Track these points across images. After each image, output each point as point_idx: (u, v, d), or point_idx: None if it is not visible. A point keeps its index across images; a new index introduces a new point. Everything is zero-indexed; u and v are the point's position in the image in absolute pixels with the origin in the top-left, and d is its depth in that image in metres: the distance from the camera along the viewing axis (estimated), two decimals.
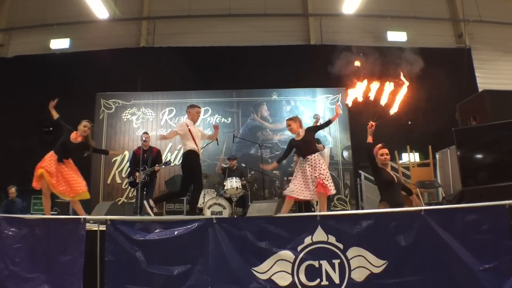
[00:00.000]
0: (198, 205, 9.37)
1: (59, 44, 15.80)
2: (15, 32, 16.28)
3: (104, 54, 14.41)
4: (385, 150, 5.91)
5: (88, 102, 12.51)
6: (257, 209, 7.82)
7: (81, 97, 12.99)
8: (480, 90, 13.02)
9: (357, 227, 3.89)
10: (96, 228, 4.09)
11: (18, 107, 14.33)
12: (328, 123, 6.86)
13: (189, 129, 6.91)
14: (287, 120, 6.59)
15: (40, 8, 15.98)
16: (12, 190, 10.32)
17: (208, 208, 8.61)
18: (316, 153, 6.29)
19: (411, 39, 14.74)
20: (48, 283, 4.10)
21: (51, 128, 14.13)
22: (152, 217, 5.13)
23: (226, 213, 8.40)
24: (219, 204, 8.67)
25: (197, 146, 6.86)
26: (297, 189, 6.02)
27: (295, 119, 6.58)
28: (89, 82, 13.36)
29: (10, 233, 4.32)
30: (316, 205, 7.82)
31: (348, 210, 10.60)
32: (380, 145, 6.14)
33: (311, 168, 6.05)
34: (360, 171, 11.40)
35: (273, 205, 8.27)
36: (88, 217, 4.17)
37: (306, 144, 6.34)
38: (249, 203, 9.22)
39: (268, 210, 7.74)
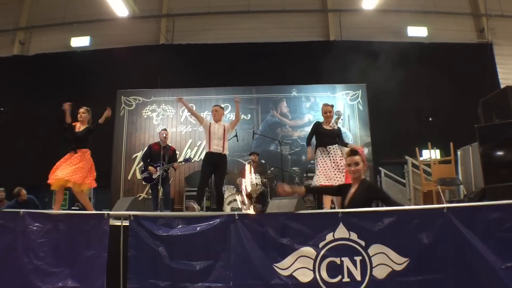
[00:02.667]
0: None
1: (80, 42, 15.97)
2: (36, 31, 16.49)
3: (124, 51, 14.55)
4: None
5: (108, 99, 12.58)
6: (276, 205, 7.76)
7: (102, 94, 13.11)
8: (502, 86, 12.78)
9: (379, 224, 3.84)
10: (119, 224, 4.12)
11: (39, 105, 14.50)
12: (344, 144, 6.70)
13: (209, 127, 7.02)
14: (328, 105, 6.57)
15: (61, 6, 16.15)
16: (23, 192, 9.85)
17: (228, 204, 8.65)
18: (336, 145, 6.35)
19: (431, 35, 14.55)
20: (72, 277, 4.15)
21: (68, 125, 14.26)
22: (175, 213, 5.16)
23: (246, 210, 8.41)
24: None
25: (210, 145, 7.03)
26: (323, 177, 6.10)
27: (332, 107, 6.64)
28: (109, 80, 13.48)
29: (34, 228, 4.38)
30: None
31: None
32: None
33: (335, 158, 6.11)
34: (380, 168, 11.31)
35: (293, 201, 8.21)
36: (111, 212, 4.20)
37: (332, 134, 6.36)
38: (269, 199, 9.22)
39: (288, 207, 7.69)
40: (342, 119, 10.82)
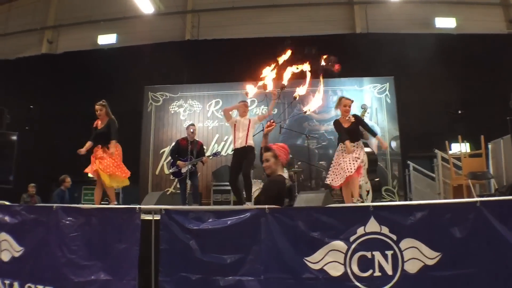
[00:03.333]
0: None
1: (106, 39, 16.23)
2: (64, 29, 16.80)
3: (150, 48, 14.71)
4: None
5: (136, 96, 12.81)
6: (304, 200, 7.77)
7: (129, 90, 13.29)
8: None
9: (411, 218, 3.78)
10: (150, 218, 4.15)
11: (68, 102, 14.77)
12: (372, 132, 6.63)
13: (234, 122, 7.07)
14: (349, 99, 6.53)
15: (87, 5, 16.42)
16: (68, 179, 10.59)
17: (255, 198, 8.63)
18: (359, 141, 6.31)
19: (460, 26, 14.26)
20: (104, 271, 4.20)
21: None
22: (205, 206, 5.20)
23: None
24: None
25: (234, 141, 7.30)
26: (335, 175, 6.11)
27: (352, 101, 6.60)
28: (136, 76, 13.62)
29: (67, 222, 4.45)
30: (367, 194, 7.75)
31: (396, 201, 10.44)
32: None
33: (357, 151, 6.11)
34: (408, 162, 11.17)
35: (320, 196, 8.19)
36: (143, 206, 4.23)
37: (353, 132, 6.32)
38: (296, 194, 9.20)
39: (315, 201, 7.68)
40: (368, 113, 10.73)
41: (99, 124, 6.88)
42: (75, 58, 15.75)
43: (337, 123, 6.61)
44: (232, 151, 7.93)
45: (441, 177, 10.21)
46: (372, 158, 8.50)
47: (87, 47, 16.26)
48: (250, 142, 7.19)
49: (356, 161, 6.14)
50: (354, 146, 6.29)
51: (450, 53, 13.04)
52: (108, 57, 15.30)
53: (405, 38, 13.36)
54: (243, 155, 7.08)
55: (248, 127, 7.15)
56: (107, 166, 6.55)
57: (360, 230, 3.80)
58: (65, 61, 15.85)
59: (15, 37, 16.73)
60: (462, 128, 11.61)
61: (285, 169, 9.06)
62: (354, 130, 6.41)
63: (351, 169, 6.08)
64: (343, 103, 6.60)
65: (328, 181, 6.46)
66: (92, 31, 16.40)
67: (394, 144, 11.43)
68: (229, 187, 9.97)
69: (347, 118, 6.50)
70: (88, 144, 6.89)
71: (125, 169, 6.83)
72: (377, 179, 8.99)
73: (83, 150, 6.83)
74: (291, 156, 10.26)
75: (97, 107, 7.00)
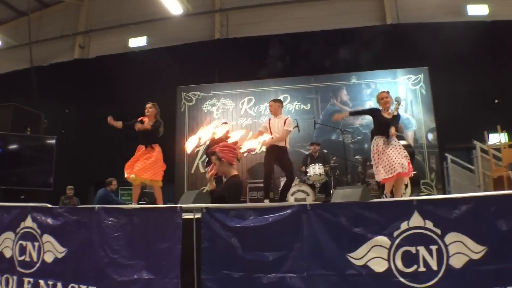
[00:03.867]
0: None
1: (137, 42, 16.47)
2: (94, 34, 17.13)
3: (181, 48, 14.87)
4: None
5: (169, 96, 12.92)
6: (341, 195, 7.68)
7: (162, 91, 13.42)
8: None
9: (456, 212, 3.67)
10: (191, 216, 4.16)
11: (102, 105, 14.97)
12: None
13: (269, 122, 7.06)
14: (386, 92, 6.38)
15: (116, 9, 16.67)
16: (115, 182, 10.78)
17: (292, 195, 8.61)
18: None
19: (493, 12, 13.78)
20: (147, 269, 4.23)
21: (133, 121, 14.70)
22: (246, 204, 5.19)
23: (309, 200, 8.36)
24: (302, 191, 8.67)
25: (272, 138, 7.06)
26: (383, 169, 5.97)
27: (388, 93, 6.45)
28: (168, 77, 13.77)
29: (109, 222, 4.51)
30: (406, 188, 7.61)
31: (434, 195, 10.24)
32: None
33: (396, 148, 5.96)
34: (446, 154, 10.94)
35: (357, 191, 8.08)
36: (184, 205, 4.24)
37: (393, 124, 6.18)
38: (332, 189, 9.13)
39: (353, 196, 7.58)
40: (402, 105, 10.55)
41: (146, 122, 6.93)
42: (107, 62, 16.03)
43: (377, 110, 6.40)
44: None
45: (480, 169, 9.96)
46: (409, 151, 8.30)
47: (118, 50, 16.52)
48: (287, 144, 7.16)
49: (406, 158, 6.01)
50: (392, 139, 6.15)
51: (484, 41, 12.71)
52: (139, 59, 15.51)
53: (437, 27, 13.08)
54: (278, 155, 7.02)
55: (284, 127, 7.08)
56: (145, 168, 6.57)
57: (404, 225, 3.72)
58: (97, 65, 16.12)
59: (47, 44, 17.13)
60: (500, 118, 11.32)
61: (320, 165, 9.00)
62: (393, 123, 6.26)
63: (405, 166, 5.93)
64: (379, 97, 6.43)
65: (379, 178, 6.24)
66: (122, 34, 16.64)
67: (430, 136, 11.19)
68: None
69: (389, 111, 6.33)
70: (119, 123, 6.90)
71: (161, 171, 6.84)
72: (415, 172, 8.81)
73: (112, 120, 6.81)
74: (325, 151, 10.21)
75: (149, 105, 7.06)
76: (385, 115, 6.24)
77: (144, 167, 6.48)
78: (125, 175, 6.62)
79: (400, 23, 13.95)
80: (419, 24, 13.41)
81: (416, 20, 13.65)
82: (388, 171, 5.92)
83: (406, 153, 6.04)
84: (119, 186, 15.07)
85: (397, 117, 6.27)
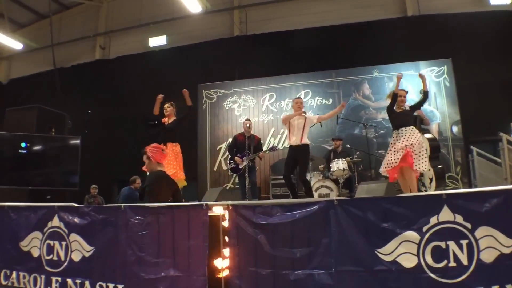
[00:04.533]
0: None
1: (157, 41, 16.56)
2: (115, 35, 17.27)
3: (200, 46, 14.93)
4: None
5: (190, 94, 12.90)
6: (365, 190, 7.64)
7: (183, 89, 13.45)
8: None
9: (486, 205, 3.60)
10: (218, 213, 4.16)
11: (124, 104, 15.15)
12: (423, 100, 6.57)
13: (289, 122, 7.05)
14: (405, 91, 6.39)
15: (135, 9, 16.78)
16: (138, 180, 10.77)
17: (315, 190, 8.58)
18: (411, 126, 6.12)
19: None
20: (174, 267, 4.26)
21: (156, 122, 14.81)
22: (273, 200, 5.18)
23: (333, 195, 8.31)
24: (326, 187, 8.63)
25: (290, 138, 7.20)
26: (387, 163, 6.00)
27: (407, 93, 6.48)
28: (189, 75, 13.80)
29: (136, 221, 4.54)
30: (430, 182, 7.51)
31: (460, 188, 10.09)
32: None
33: (403, 139, 5.91)
34: (471, 147, 10.75)
35: (382, 185, 8.03)
36: (210, 203, 4.25)
37: (404, 116, 6.15)
38: (356, 184, 9.06)
39: (377, 191, 7.52)
40: (428, 98, 10.39)
41: (166, 120, 7.07)
42: (127, 61, 16.16)
43: (390, 109, 6.53)
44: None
45: (507, 161, 9.76)
46: (434, 144, 8.20)
47: (138, 50, 16.65)
48: (306, 140, 7.09)
49: (400, 151, 5.99)
50: (405, 130, 6.13)
51: (507, 30, 12.43)
52: (159, 58, 15.61)
53: (459, 17, 12.84)
54: (297, 153, 7.01)
55: (304, 125, 7.05)
56: (174, 170, 6.62)
57: (433, 220, 3.67)
58: (118, 65, 16.27)
59: (68, 46, 17.34)
60: None
61: (344, 160, 8.94)
62: (406, 114, 6.24)
63: (394, 161, 5.96)
64: (400, 94, 6.46)
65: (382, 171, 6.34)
66: (142, 34, 16.75)
67: (455, 129, 11.01)
68: None
69: (403, 108, 6.34)
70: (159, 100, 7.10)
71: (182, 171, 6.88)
72: (440, 166, 8.68)
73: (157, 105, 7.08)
74: (348, 146, 10.11)
75: (167, 104, 7.33)
76: (397, 110, 6.27)
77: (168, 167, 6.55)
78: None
79: (421, 14, 13.73)
80: (441, 15, 13.18)
81: (437, 11, 13.41)
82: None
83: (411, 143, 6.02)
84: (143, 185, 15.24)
85: (411, 109, 6.29)
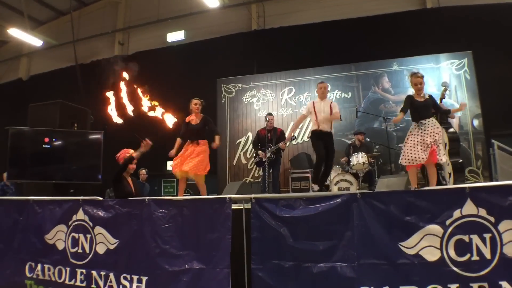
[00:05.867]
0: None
1: (175, 36, 16.63)
2: (133, 30, 17.39)
3: (218, 41, 14.96)
4: None
5: (209, 89, 13.03)
6: (385, 184, 7.62)
7: (202, 84, 13.54)
8: None
9: (510, 199, 3.59)
10: (240, 207, 4.21)
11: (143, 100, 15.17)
12: (447, 112, 6.43)
13: (313, 107, 6.97)
14: (419, 76, 6.20)
15: (153, 5, 16.87)
16: (143, 171, 10.84)
17: (335, 184, 8.58)
18: (432, 118, 5.98)
19: None
20: (198, 259, 4.33)
21: (175, 116, 14.94)
22: (296, 194, 5.20)
23: (353, 189, 8.28)
24: (346, 180, 8.61)
25: (317, 123, 6.96)
26: (407, 155, 5.87)
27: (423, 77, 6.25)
28: (208, 70, 13.86)
29: (160, 214, 4.62)
30: (449, 177, 7.44)
31: (481, 182, 9.97)
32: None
33: (424, 132, 5.82)
34: (492, 141, 10.62)
35: (402, 179, 8.00)
36: (233, 196, 4.30)
37: (425, 107, 6.02)
38: (376, 178, 9.03)
39: (397, 185, 7.50)
40: (450, 90, 10.29)
41: (193, 119, 7.01)
42: (146, 57, 16.25)
43: (408, 97, 6.22)
44: (308, 138, 7.77)
45: None
46: (454, 138, 8.09)
47: (157, 45, 16.75)
48: (332, 129, 7.10)
49: (426, 150, 5.90)
50: (426, 124, 6.01)
51: None
52: (178, 53, 15.71)
53: (480, 9, 12.63)
54: (326, 140, 7.00)
55: (330, 112, 6.99)
56: (196, 165, 6.64)
57: (457, 213, 3.67)
58: (137, 61, 16.34)
59: (87, 42, 17.48)
60: None
61: (364, 153, 8.90)
62: (426, 105, 6.10)
63: (422, 159, 5.86)
64: (413, 82, 6.26)
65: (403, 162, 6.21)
66: (160, 29, 16.83)
67: (476, 122, 10.87)
68: (307, 174, 9.99)
69: (421, 95, 6.19)
70: (178, 142, 7.01)
71: (203, 166, 6.87)
72: (460, 160, 8.59)
73: (173, 152, 6.94)
74: (368, 139, 10.06)
75: (196, 101, 7.19)
76: (418, 98, 6.11)
77: (188, 161, 6.57)
78: (172, 170, 6.78)
79: (440, 6, 13.55)
80: (461, 7, 12.99)
81: (457, 3, 13.21)
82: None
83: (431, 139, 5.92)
84: (162, 179, 15.38)
85: (432, 101, 6.12)
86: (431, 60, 11.41)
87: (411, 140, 5.94)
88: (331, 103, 7.14)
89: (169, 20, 16.50)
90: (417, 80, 6.11)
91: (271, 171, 8.68)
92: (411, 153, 5.84)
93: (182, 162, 6.65)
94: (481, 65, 11.27)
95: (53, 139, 9.15)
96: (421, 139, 5.85)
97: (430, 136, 5.76)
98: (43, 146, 9.03)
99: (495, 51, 11.64)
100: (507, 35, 11.72)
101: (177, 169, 6.66)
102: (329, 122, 6.98)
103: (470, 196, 3.66)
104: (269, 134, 8.75)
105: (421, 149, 5.78)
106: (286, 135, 7.53)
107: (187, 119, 7.06)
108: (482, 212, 3.62)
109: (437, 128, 5.88)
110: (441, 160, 5.81)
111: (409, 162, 5.79)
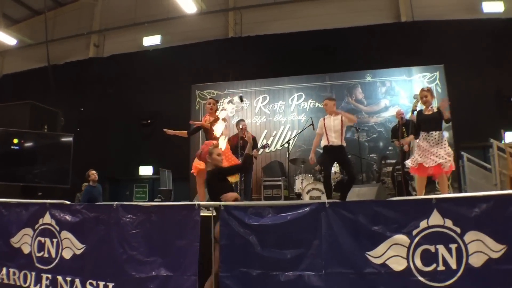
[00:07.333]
0: (296, 191, 9.44)
1: (151, 40, 16.60)
2: (109, 33, 17.29)
3: (195, 47, 14.97)
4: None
5: (184, 94, 12.98)
6: (356, 193, 7.69)
7: (177, 90, 13.58)
8: None
9: (475, 210, 3.64)
10: (210, 214, 4.18)
11: (117, 103, 15.11)
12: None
13: (324, 124, 7.10)
14: (425, 90, 6.39)
15: (130, 8, 16.78)
16: (94, 172, 9.56)
17: (307, 193, 8.60)
18: (440, 131, 6.22)
19: (508, 9, 13.47)
20: (165, 266, 4.26)
21: (149, 121, 14.86)
22: (265, 202, 5.19)
23: (324, 198, 8.32)
24: (317, 189, 8.65)
25: (328, 138, 7.01)
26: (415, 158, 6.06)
27: (431, 91, 6.48)
28: (183, 75, 13.87)
29: (127, 219, 4.54)
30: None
31: (450, 193, 10.14)
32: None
33: (434, 144, 6.08)
34: (462, 153, 10.83)
35: (373, 189, 8.09)
36: (202, 203, 4.26)
37: (433, 120, 6.19)
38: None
39: (368, 195, 7.59)
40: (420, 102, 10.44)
41: (208, 119, 6.92)
42: (121, 60, 16.13)
43: (419, 112, 6.53)
44: (281, 146, 7.70)
45: (497, 167, 9.83)
46: None
47: (132, 49, 16.66)
48: (344, 143, 7.08)
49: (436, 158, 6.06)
50: (434, 136, 6.18)
51: (500, 38, 12.57)
52: (153, 58, 15.63)
53: (452, 24, 12.98)
54: (338, 153, 7.02)
55: (342, 127, 7.03)
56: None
57: (423, 223, 3.70)
58: (111, 64, 16.24)
59: (62, 43, 17.26)
60: None
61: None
62: (434, 118, 6.27)
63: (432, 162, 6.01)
64: (420, 96, 6.47)
65: (410, 164, 6.33)
66: (136, 33, 16.74)
67: (446, 134, 10.94)
68: (279, 182, 9.99)
69: (429, 108, 6.38)
70: (182, 132, 7.11)
71: (235, 161, 6.78)
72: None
73: (171, 131, 6.97)
74: None
75: (212, 101, 7.09)
76: (426, 112, 6.34)
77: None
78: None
79: (414, 20, 13.84)
80: (434, 22, 13.30)
81: (430, 18, 13.52)
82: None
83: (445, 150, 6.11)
84: (134, 184, 15.24)
85: (437, 113, 6.31)
86: (404, 73, 11.63)
87: (419, 147, 6.17)
88: (341, 115, 7.15)
89: (146, 24, 16.42)
90: (422, 93, 6.41)
91: (243, 178, 8.65)
92: (418, 157, 6.07)
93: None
94: (452, 78, 11.53)
95: (22, 141, 8.98)
96: (429, 147, 6.05)
97: (436, 148, 5.99)
98: (12, 147, 8.86)
99: (466, 65, 11.95)
100: (477, 50, 12.02)
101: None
102: (339, 136, 6.99)
103: (436, 207, 3.70)
104: (241, 141, 8.72)
105: (429, 155, 6.00)
106: (310, 156, 7.55)
107: (203, 119, 7.06)
108: (448, 223, 3.66)
109: (444, 141, 6.12)
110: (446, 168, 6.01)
111: (413, 164, 6.03)
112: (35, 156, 9.14)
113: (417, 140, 6.57)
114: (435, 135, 6.17)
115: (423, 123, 6.36)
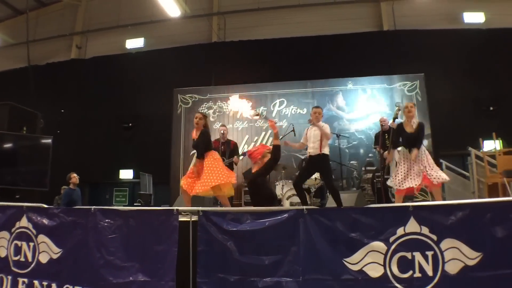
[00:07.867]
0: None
1: (134, 43, 16.49)
2: (92, 35, 17.11)
3: (178, 51, 14.92)
4: None
5: (166, 98, 12.93)
6: None
7: (159, 93, 13.50)
8: None
9: (452, 218, 3.70)
10: (188, 219, 4.17)
11: (98, 105, 15.04)
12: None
13: (306, 132, 7.08)
14: (411, 106, 6.36)
15: (114, 10, 16.69)
16: (74, 175, 9.72)
17: (287, 199, 8.61)
18: (420, 148, 6.14)
19: (489, 20, 13.76)
20: (143, 272, 4.23)
21: (130, 124, 14.78)
22: (243, 208, 5.19)
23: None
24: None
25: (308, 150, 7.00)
26: (400, 180, 6.03)
27: (415, 108, 6.47)
28: (165, 79, 13.84)
29: (105, 224, 4.51)
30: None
31: (429, 201, 10.25)
32: None
33: (417, 160, 6.06)
34: (441, 160, 10.96)
35: (353, 196, 8.13)
36: (180, 208, 4.25)
37: (414, 139, 6.17)
38: (328, 194, 9.13)
39: (348, 201, 7.62)
40: (402, 110, 10.57)
41: (194, 134, 6.74)
42: (103, 62, 16.02)
43: (399, 127, 6.42)
44: None
45: (475, 175, 9.97)
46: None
47: (115, 51, 16.53)
48: (324, 150, 6.82)
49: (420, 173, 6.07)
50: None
51: (480, 49, 12.81)
52: (136, 61, 15.56)
53: (433, 34, 13.18)
54: (316, 163, 6.84)
55: (321, 136, 6.77)
56: (204, 182, 6.33)
57: (400, 231, 3.74)
58: (94, 66, 16.12)
59: (44, 43, 17.04)
60: (495, 125, 11.40)
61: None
62: (415, 138, 6.23)
63: (415, 183, 6.03)
64: (405, 109, 6.39)
65: (392, 184, 6.33)
66: (119, 35, 16.63)
67: (425, 142, 11.09)
68: None
69: (412, 122, 6.33)
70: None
71: (224, 175, 6.33)
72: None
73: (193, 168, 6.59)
74: None
75: (197, 114, 6.77)
76: (407, 129, 6.28)
77: (202, 184, 6.21)
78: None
79: (396, 29, 14.02)
80: (416, 31, 13.50)
81: (412, 27, 13.71)
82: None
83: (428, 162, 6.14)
84: (114, 187, 15.11)
85: (416, 134, 6.26)
86: (385, 81, 11.75)
87: (402, 168, 6.13)
88: (322, 127, 7.01)
89: (129, 26, 16.33)
90: (407, 107, 6.37)
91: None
92: (404, 181, 6.05)
93: (192, 182, 6.42)
94: (432, 87, 11.70)
95: (0, 142, 8.85)
96: (408, 167, 6.05)
97: (417, 165, 6.00)
98: None
99: (446, 74, 12.15)
100: (457, 60, 12.22)
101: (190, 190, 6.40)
102: (317, 146, 6.89)
103: (413, 215, 3.74)
104: (222, 147, 8.67)
105: (412, 176, 6.00)
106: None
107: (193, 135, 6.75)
108: (425, 230, 3.70)
109: (425, 155, 6.11)
110: (439, 179, 5.99)
111: (399, 186, 6.02)
112: (13, 158, 8.99)
113: (396, 153, 6.57)
114: (415, 152, 6.15)
115: (403, 139, 6.31)
